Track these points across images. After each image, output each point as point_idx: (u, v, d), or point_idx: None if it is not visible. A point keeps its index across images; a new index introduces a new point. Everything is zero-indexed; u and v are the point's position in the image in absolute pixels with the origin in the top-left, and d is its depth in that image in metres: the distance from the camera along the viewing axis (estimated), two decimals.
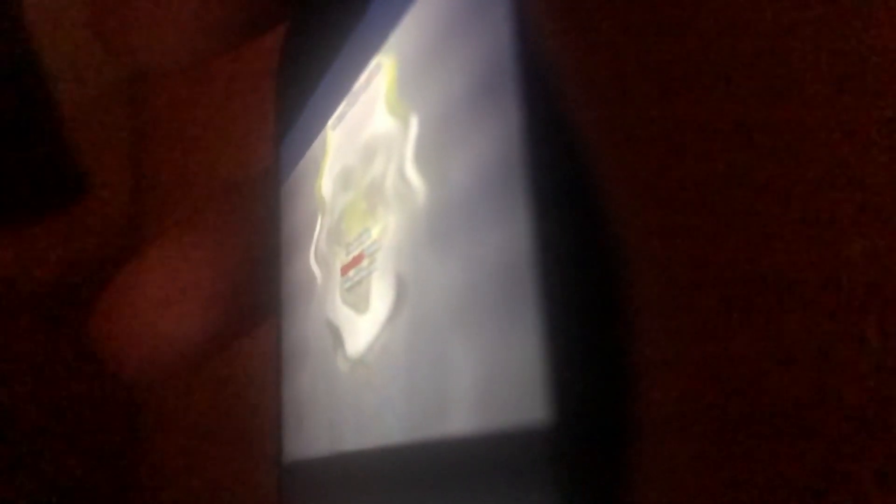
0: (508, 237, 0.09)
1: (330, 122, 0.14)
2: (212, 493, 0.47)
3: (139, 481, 0.52)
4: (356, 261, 0.13)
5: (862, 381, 0.07)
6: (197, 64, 0.16)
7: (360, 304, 0.12)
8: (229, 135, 0.47)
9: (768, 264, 0.07)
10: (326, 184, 0.14)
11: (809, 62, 0.07)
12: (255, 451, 0.40)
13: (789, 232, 0.07)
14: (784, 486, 0.07)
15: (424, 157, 0.11)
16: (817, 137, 0.07)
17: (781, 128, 0.07)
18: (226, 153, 0.47)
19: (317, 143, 0.15)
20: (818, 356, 0.07)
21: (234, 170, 0.46)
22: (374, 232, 0.12)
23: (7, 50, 0.53)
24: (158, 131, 0.56)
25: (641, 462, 0.08)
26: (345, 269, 0.13)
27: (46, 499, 0.49)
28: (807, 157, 0.07)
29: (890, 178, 0.07)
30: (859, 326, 0.07)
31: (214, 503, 0.46)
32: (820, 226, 0.07)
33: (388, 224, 0.12)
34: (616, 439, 0.08)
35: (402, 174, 0.11)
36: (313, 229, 0.15)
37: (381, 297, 0.12)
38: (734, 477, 0.07)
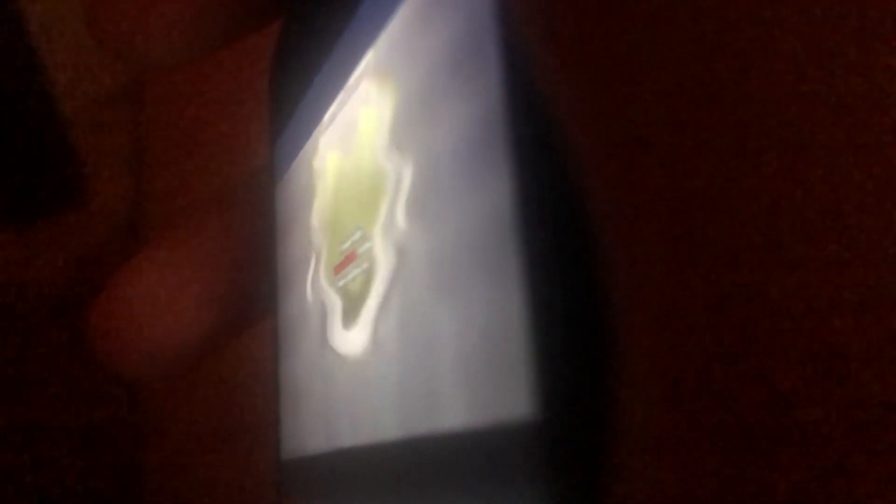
0: (496, 230, 0.09)
1: (323, 121, 0.14)
2: (214, 491, 0.47)
3: (140, 480, 0.52)
4: (349, 259, 0.13)
5: (853, 389, 0.07)
6: (191, 60, 0.16)
7: (352, 301, 0.13)
8: (231, 135, 0.47)
9: (754, 264, 0.07)
10: (320, 183, 0.14)
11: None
12: (257, 450, 0.40)
13: (778, 233, 0.07)
14: (769, 484, 0.07)
15: (403, 137, 0.11)
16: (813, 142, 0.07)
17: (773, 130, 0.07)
18: (227, 154, 0.47)
19: (310, 143, 0.15)
20: (808, 360, 0.07)
21: (234, 170, 0.46)
22: (366, 230, 0.12)
23: (7, 50, 0.53)
24: (159, 132, 0.56)
25: (626, 457, 0.08)
26: (338, 268, 0.13)
27: (47, 498, 0.49)
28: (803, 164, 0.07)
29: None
30: (850, 332, 0.07)
31: (217, 501, 0.46)
32: (810, 232, 0.07)
33: (378, 221, 0.12)
34: (602, 434, 0.08)
35: (385, 156, 0.11)
36: (308, 228, 0.15)
37: (372, 295, 0.12)
38: (717, 476, 0.07)
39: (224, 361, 0.45)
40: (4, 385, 0.50)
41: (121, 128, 0.58)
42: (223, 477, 0.46)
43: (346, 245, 0.13)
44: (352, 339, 0.12)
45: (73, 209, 0.55)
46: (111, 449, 0.53)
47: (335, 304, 0.13)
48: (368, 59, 0.12)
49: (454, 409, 0.09)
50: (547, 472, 0.08)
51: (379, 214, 0.12)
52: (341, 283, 0.13)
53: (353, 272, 0.13)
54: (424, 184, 0.10)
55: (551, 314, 0.08)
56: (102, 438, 0.52)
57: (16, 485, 0.50)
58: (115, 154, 0.57)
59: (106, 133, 0.58)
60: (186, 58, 0.16)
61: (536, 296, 0.08)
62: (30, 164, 0.55)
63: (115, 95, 0.58)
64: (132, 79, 0.57)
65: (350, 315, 0.13)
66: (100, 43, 0.15)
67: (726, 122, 0.07)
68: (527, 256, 0.08)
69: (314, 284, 0.14)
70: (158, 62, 0.16)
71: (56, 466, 0.51)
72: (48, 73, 0.55)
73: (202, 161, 0.50)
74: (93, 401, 0.52)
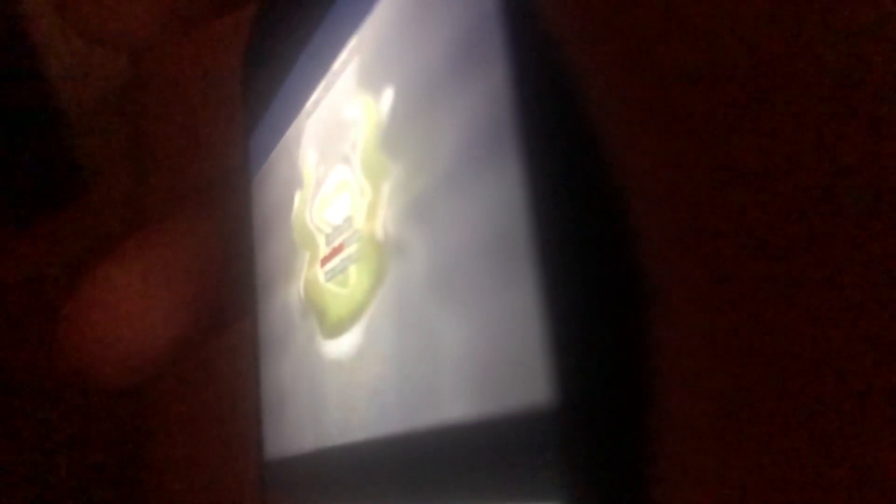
0: (502, 206, 0.08)
1: (305, 109, 0.14)
2: (213, 491, 0.47)
3: (140, 481, 0.53)
4: (336, 251, 0.13)
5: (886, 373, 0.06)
6: (162, 39, 0.15)
7: (341, 293, 0.12)
8: (232, 134, 0.47)
9: (783, 242, 0.07)
10: (303, 175, 0.14)
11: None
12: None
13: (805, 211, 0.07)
14: (799, 479, 0.07)
15: (400, 132, 0.10)
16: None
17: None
18: (228, 153, 0.47)
19: (291, 132, 0.15)
20: (843, 334, 0.07)
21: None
22: (354, 220, 0.12)
23: (7, 50, 0.54)
24: (159, 132, 0.56)
25: (653, 443, 0.07)
26: (325, 260, 0.13)
27: (45, 498, 0.49)
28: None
29: None
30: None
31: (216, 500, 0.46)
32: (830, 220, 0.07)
33: (368, 210, 0.11)
34: (625, 419, 0.07)
35: (378, 152, 0.11)
36: (291, 223, 0.15)
37: (363, 285, 0.11)
38: (745, 465, 0.07)
39: (226, 361, 0.45)
40: (3, 384, 0.51)
41: (121, 128, 0.58)
42: (223, 476, 0.46)
43: (334, 236, 0.13)
44: (341, 334, 0.12)
45: (73, 208, 0.55)
46: (112, 448, 0.53)
47: (321, 297, 0.13)
48: (352, 45, 0.12)
49: (462, 399, 0.09)
50: (567, 460, 0.07)
51: (369, 205, 0.11)
52: (329, 276, 0.13)
53: (342, 264, 0.12)
54: (424, 174, 0.10)
55: (569, 293, 0.07)
56: (104, 437, 0.52)
57: (14, 484, 0.50)
58: (115, 154, 0.57)
59: (106, 133, 0.58)
60: (157, 35, 0.15)
61: (553, 276, 0.07)
62: (30, 163, 0.55)
63: (115, 95, 0.58)
64: (132, 79, 0.57)
65: (337, 308, 0.12)
66: (68, 22, 0.15)
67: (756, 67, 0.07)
68: (541, 239, 0.08)
69: (301, 276, 0.14)
70: (126, 41, 0.15)
71: (55, 465, 0.51)
72: (48, 73, 0.55)
73: (202, 160, 0.50)
74: (92, 400, 0.52)
